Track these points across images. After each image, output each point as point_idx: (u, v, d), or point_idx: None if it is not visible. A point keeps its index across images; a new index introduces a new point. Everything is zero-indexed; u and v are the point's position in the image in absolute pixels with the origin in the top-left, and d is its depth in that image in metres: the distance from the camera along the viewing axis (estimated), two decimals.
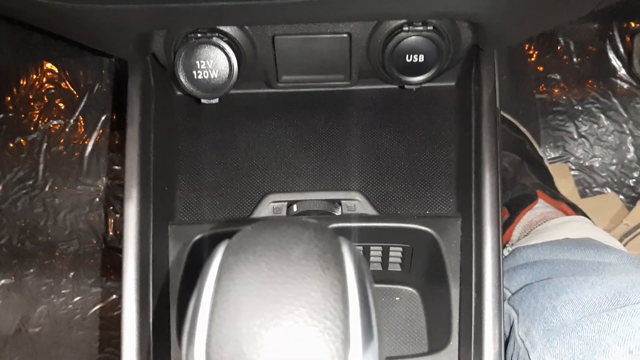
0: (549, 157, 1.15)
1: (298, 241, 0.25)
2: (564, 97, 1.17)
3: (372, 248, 0.61)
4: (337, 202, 0.58)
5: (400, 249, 0.60)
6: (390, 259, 0.62)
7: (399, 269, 0.63)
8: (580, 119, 1.15)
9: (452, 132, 0.61)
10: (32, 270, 1.08)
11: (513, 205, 0.92)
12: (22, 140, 1.11)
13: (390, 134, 0.62)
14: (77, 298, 1.06)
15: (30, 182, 1.12)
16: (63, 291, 1.07)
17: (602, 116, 1.16)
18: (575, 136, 1.16)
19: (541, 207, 0.91)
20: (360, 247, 0.61)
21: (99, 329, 1.04)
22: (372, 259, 0.63)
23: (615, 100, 1.15)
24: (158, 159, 0.57)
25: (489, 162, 0.53)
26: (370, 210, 0.58)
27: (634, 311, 0.43)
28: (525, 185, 0.95)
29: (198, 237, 0.58)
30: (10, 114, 1.09)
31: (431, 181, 0.60)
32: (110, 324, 1.04)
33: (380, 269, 0.63)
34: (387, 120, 0.62)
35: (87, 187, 1.11)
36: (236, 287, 0.24)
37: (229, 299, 0.24)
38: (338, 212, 0.58)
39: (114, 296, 1.07)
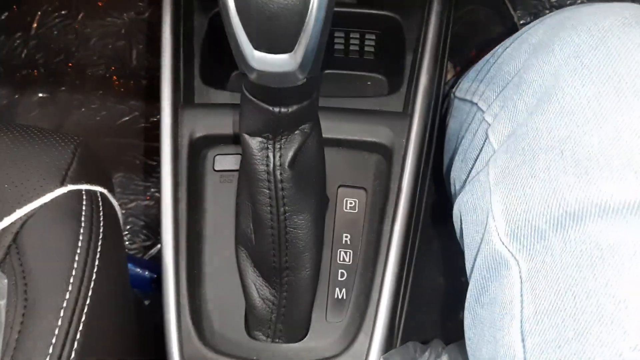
0: (521, 22, 1.31)
1: None
2: None
3: (351, 35, 0.78)
4: None
5: (374, 36, 0.77)
6: (366, 47, 0.79)
7: (372, 57, 0.80)
8: None
9: None
10: (64, 88, 1.25)
11: (479, 47, 1.09)
12: None
13: None
14: (104, 112, 1.24)
15: (64, 12, 1.27)
16: (92, 106, 1.24)
17: None
18: (548, 6, 1.31)
19: None
20: (342, 33, 0.78)
21: (123, 137, 1.22)
22: (351, 47, 0.80)
23: None
24: None
25: None
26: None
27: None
28: (493, 32, 1.12)
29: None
30: None
31: None
32: (133, 133, 1.22)
33: (358, 57, 0.81)
34: None
35: (115, 19, 1.26)
36: None
37: None
38: None
39: (136, 113, 1.24)
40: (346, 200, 0.66)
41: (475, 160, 0.56)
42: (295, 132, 0.53)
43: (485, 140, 0.55)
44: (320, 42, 0.45)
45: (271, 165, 0.53)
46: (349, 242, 0.64)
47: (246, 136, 0.54)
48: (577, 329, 0.41)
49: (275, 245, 0.57)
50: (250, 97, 0.51)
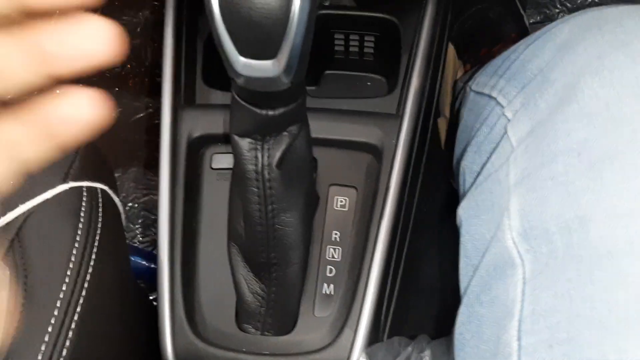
0: (530, 21, 1.31)
1: None
2: None
3: (351, 37, 0.79)
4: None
5: (373, 38, 0.79)
6: (365, 49, 0.81)
7: (372, 58, 0.82)
8: None
9: None
10: (80, 84, 1.29)
11: (489, 45, 1.10)
12: None
13: None
14: (120, 109, 1.27)
15: None
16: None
17: None
18: (558, 5, 1.31)
19: None
20: (342, 35, 0.80)
21: (138, 133, 1.26)
22: (351, 48, 0.82)
23: None
24: None
25: None
26: (350, 3, 0.77)
27: None
28: (504, 31, 1.13)
29: None
30: None
31: None
32: (147, 130, 1.26)
33: (358, 58, 0.82)
34: None
35: (131, 18, 1.30)
36: None
37: None
38: (326, 3, 0.77)
39: (150, 110, 1.28)
40: (337, 199, 0.67)
41: (491, 153, 0.56)
42: (283, 134, 0.55)
43: (503, 135, 0.55)
44: (303, 49, 0.47)
45: (259, 165, 0.55)
46: (338, 239, 0.66)
47: (236, 137, 0.56)
48: (570, 331, 0.42)
49: (264, 242, 0.59)
50: (239, 100, 0.53)
